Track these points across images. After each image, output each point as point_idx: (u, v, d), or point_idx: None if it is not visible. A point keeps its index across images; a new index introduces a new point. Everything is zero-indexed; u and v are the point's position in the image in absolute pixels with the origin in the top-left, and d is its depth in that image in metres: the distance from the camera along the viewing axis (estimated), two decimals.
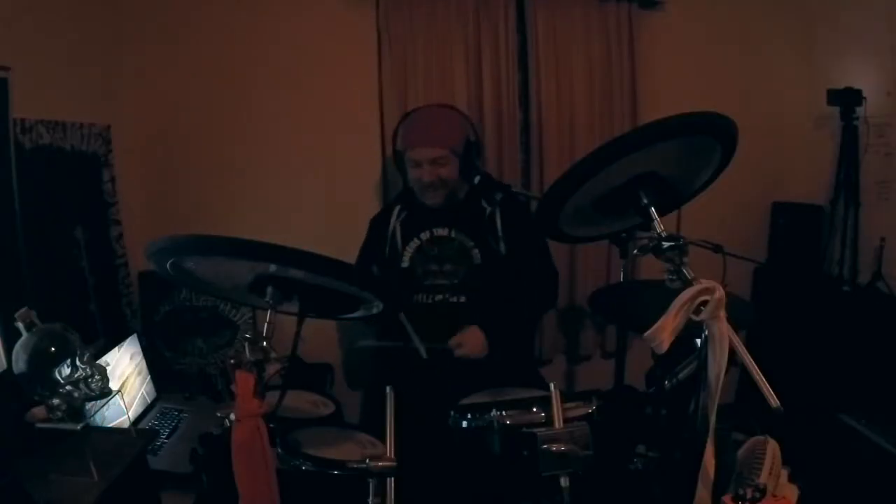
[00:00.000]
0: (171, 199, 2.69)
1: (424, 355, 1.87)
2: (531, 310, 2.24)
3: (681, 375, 1.29)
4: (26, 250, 1.91)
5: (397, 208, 2.19)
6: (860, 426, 2.08)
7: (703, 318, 1.03)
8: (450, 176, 2.04)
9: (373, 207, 2.53)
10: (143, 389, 2.27)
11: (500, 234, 2.09)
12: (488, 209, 2.10)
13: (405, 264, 2.13)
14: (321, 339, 2.83)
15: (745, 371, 1.02)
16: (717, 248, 2.15)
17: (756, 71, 2.93)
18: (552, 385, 1.40)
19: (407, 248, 2.14)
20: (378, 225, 2.24)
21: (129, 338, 2.27)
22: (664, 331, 1.02)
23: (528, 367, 2.32)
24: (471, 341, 1.95)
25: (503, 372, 1.87)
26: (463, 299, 2.09)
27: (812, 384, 2.32)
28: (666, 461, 1.37)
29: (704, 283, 1.03)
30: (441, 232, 2.13)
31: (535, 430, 1.34)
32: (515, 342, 2.17)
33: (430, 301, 2.10)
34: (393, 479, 1.28)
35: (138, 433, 1.69)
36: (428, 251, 2.12)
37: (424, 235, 2.13)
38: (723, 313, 1.02)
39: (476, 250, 2.10)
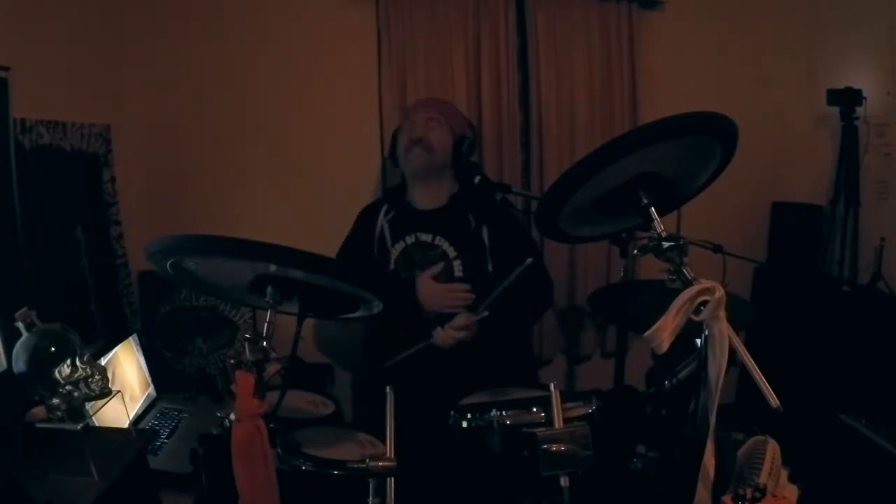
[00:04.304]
0: (171, 199, 2.69)
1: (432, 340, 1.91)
2: (523, 313, 2.17)
3: (681, 375, 1.29)
4: (26, 250, 1.91)
5: (385, 206, 2.16)
6: (860, 426, 2.07)
7: (703, 318, 1.03)
8: (438, 143, 2.05)
9: None
10: (142, 389, 2.27)
11: (487, 250, 2.03)
12: (473, 224, 2.05)
13: (391, 266, 2.09)
14: (321, 339, 2.83)
15: (745, 371, 1.02)
16: (717, 248, 2.15)
17: (756, 71, 2.93)
18: (552, 385, 1.40)
19: (393, 249, 2.10)
20: (366, 219, 2.21)
21: (129, 337, 2.27)
22: (664, 331, 1.02)
23: (527, 369, 2.32)
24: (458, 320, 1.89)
25: (503, 372, 1.87)
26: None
27: (812, 384, 2.32)
28: (666, 461, 1.37)
29: (704, 283, 1.03)
30: (425, 237, 2.08)
31: (535, 430, 1.34)
32: (509, 339, 2.15)
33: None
34: (393, 479, 1.28)
35: (138, 433, 1.68)
36: (412, 255, 2.08)
37: (409, 239, 2.09)
38: (723, 313, 1.02)
39: (458, 262, 2.05)
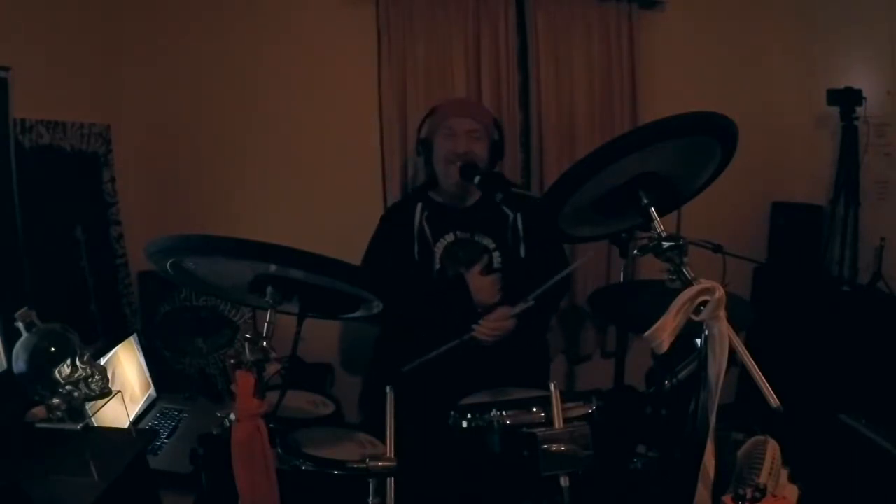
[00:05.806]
0: (171, 199, 2.68)
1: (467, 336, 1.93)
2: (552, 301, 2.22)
3: (681, 375, 1.29)
4: (26, 250, 1.91)
5: (419, 206, 2.16)
6: (860, 426, 2.07)
7: (703, 318, 1.03)
8: (481, 155, 2.08)
9: (371, 206, 2.53)
10: (142, 389, 2.27)
11: (521, 237, 2.11)
12: (511, 215, 2.12)
13: (437, 265, 2.12)
14: (321, 339, 2.83)
15: (745, 371, 1.02)
16: (717, 248, 2.15)
17: (756, 70, 2.94)
18: (552, 385, 1.40)
19: (436, 248, 2.13)
20: (397, 219, 2.20)
21: (129, 337, 2.27)
22: (664, 331, 1.02)
23: (541, 370, 2.31)
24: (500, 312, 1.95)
25: (518, 372, 1.86)
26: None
27: (812, 384, 2.32)
28: (666, 461, 1.37)
29: (704, 283, 1.03)
30: (464, 235, 2.14)
31: (535, 430, 1.34)
32: (532, 339, 2.17)
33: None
34: (393, 479, 1.28)
35: (138, 433, 1.68)
36: (455, 253, 2.13)
37: (449, 237, 2.14)
38: (723, 313, 1.02)
39: (496, 253, 2.12)
